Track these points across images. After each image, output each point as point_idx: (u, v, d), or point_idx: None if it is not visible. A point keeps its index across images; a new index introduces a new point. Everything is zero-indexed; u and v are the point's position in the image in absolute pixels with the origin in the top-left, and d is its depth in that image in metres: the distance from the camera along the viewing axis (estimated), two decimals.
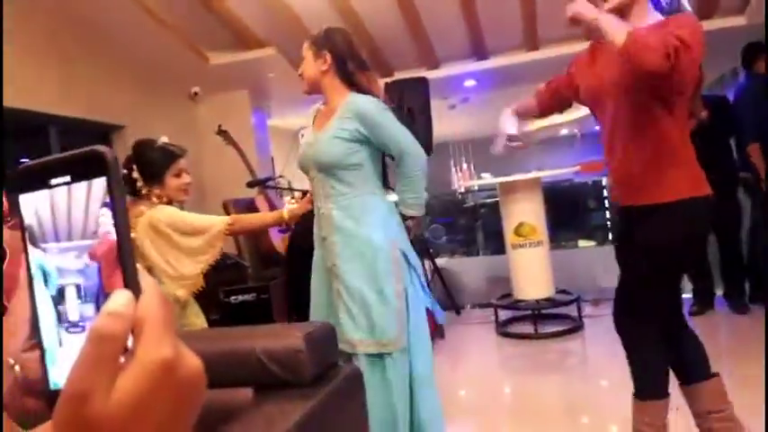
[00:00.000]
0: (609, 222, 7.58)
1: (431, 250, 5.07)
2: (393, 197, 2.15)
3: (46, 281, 0.37)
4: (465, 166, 9.98)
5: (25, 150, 3.93)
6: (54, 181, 0.36)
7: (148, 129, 2.35)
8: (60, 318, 0.36)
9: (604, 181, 7.56)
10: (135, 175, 2.14)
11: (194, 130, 5.18)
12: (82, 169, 0.35)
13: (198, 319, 2.26)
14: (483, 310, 4.85)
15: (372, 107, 1.99)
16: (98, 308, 0.35)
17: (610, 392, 2.99)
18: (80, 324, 0.36)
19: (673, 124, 1.76)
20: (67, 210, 0.36)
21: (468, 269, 5.57)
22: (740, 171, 3.98)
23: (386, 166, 2.11)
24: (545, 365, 3.61)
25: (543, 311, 4.17)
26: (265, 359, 1.36)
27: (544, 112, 2.21)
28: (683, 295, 2.27)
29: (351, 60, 2.05)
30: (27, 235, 0.37)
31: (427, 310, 2.11)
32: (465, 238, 8.04)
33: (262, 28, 4.64)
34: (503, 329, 4.21)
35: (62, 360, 0.36)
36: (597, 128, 2.03)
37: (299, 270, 2.63)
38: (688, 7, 1.83)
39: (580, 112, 3.85)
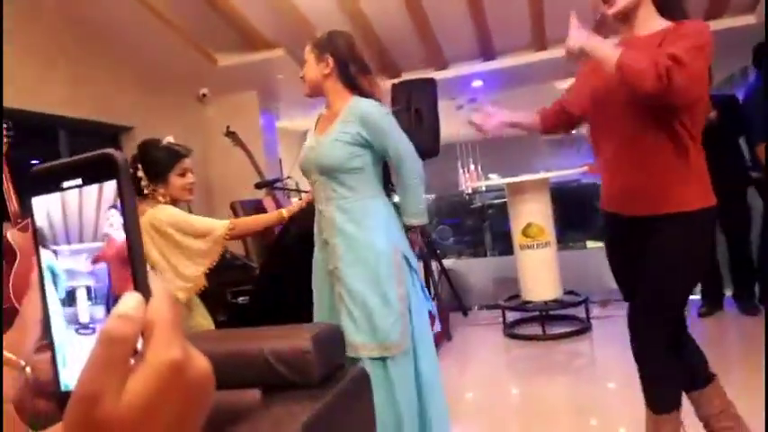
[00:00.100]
0: None
1: (438, 251, 5.06)
2: (395, 198, 2.16)
3: (55, 283, 0.37)
4: (472, 166, 9.96)
5: (35, 153, 3.97)
6: (66, 184, 0.36)
7: (157, 130, 2.37)
8: (71, 319, 0.37)
9: None
10: (139, 174, 2.16)
11: (203, 132, 5.20)
12: (93, 172, 0.35)
13: (205, 321, 2.27)
14: (490, 311, 4.83)
15: (375, 111, 2.00)
16: (108, 310, 0.35)
17: (618, 394, 2.97)
18: (90, 326, 0.36)
19: (684, 132, 1.69)
20: (79, 212, 0.36)
21: (476, 270, 5.56)
22: (751, 171, 3.95)
23: (388, 169, 2.11)
24: (553, 367, 3.59)
25: (551, 313, 4.16)
26: (273, 360, 1.36)
27: (548, 130, 2.15)
28: (691, 296, 2.24)
29: (353, 64, 2.05)
30: (38, 237, 0.38)
31: (430, 312, 2.12)
32: (472, 239, 8.02)
33: (270, 29, 4.66)
34: (510, 331, 4.20)
35: (73, 362, 0.36)
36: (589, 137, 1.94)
37: (278, 270, 2.63)
38: None
39: None
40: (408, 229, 2.09)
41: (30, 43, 3.37)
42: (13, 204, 2.54)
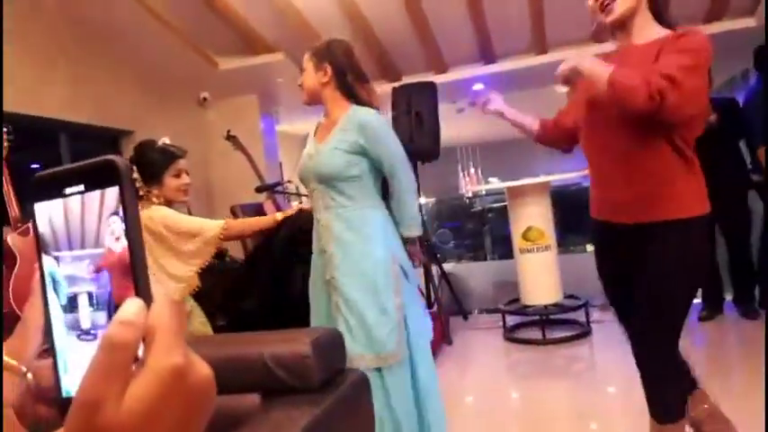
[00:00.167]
0: None
1: (438, 255, 5.06)
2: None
3: (56, 290, 0.37)
4: (473, 170, 9.96)
5: (36, 156, 3.97)
6: (68, 190, 0.36)
7: (157, 134, 2.37)
8: (72, 326, 0.37)
9: None
10: (134, 175, 2.16)
11: (203, 136, 5.21)
12: (95, 179, 0.35)
13: (204, 328, 2.26)
14: (490, 315, 4.83)
15: (374, 120, 2.01)
16: (110, 316, 0.35)
17: (618, 398, 2.97)
18: (92, 332, 0.36)
19: (680, 142, 1.67)
20: (81, 218, 0.36)
21: (476, 274, 5.55)
22: (751, 174, 3.95)
23: (386, 178, 2.11)
24: (553, 371, 3.59)
25: (551, 317, 4.15)
26: (272, 365, 1.36)
27: (541, 140, 2.12)
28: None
29: (350, 73, 2.06)
30: (40, 243, 0.38)
31: (433, 318, 2.12)
32: (472, 243, 8.03)
33: (271, 33, 4.67)
34: (510, 335, 4.19)
35: (74, 368, 0.36)
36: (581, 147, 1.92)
37: (262, 264, 2.67)
38: None
39: None
40: (406, 241, 2.10)
41: (30, 43, 3.37)
42: (13, 208, 2.54)
